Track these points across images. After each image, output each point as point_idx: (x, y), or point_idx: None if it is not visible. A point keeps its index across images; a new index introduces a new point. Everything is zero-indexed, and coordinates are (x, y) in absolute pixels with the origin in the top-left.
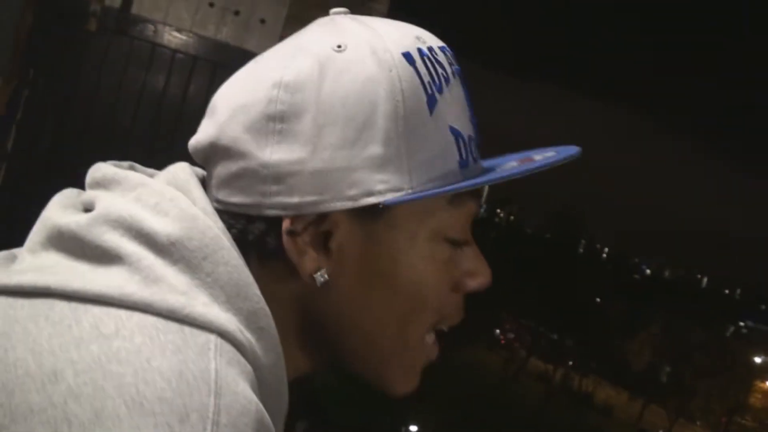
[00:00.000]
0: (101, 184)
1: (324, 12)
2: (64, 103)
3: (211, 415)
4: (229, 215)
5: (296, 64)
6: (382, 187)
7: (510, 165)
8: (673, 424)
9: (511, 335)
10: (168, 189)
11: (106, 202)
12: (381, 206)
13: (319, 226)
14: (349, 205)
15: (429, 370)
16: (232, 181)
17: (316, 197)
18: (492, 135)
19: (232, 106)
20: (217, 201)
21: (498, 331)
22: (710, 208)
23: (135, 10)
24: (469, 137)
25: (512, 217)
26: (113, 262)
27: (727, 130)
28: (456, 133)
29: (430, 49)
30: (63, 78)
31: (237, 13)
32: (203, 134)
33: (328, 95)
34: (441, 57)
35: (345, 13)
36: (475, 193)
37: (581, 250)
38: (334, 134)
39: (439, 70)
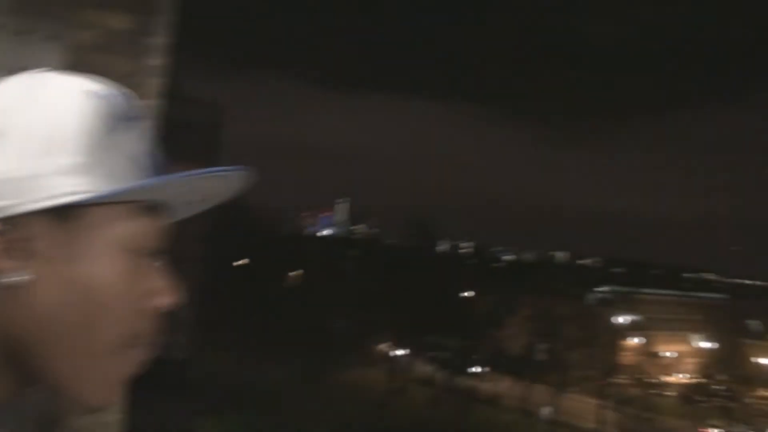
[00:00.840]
0: None
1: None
2: None
3: None
4: None
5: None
6: (69, 190)
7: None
8: (557, 398)
9: (390, 347)
10: None
11: None
12: (71, 210)
13: (14, 233)
14: (37, 206)
15: (311, 393)
16: None
17: (5, 203)
18: (321, 148)
19: None
20: None
21: (377, 346)
22: (548, 187)
23: None
24: (148, 163)
25: (373, 232)
26: None
27: (543, 108)
28: (138, 158)
29: (113, 94)
30: None
31: None
32: None
33: (24, 117)
34: (121, 99)
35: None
36: (157, 207)
37: (444, 251)
38: (25, 147)
39: (120, 107)
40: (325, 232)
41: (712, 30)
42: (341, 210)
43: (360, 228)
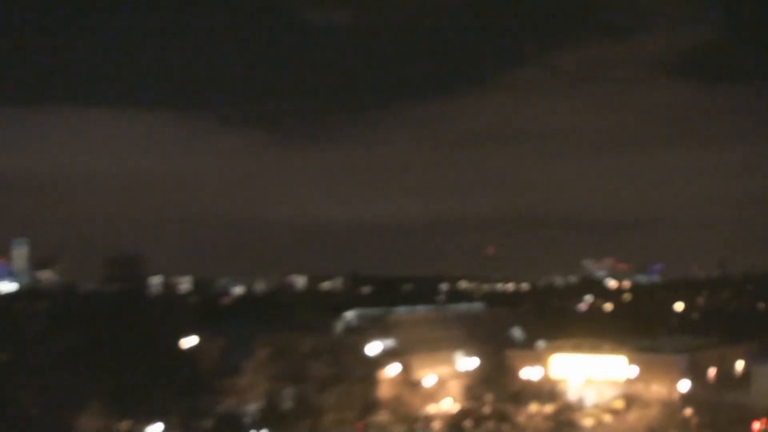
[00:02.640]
0: None
1: None
2: None
3: None
4: None
5: None
6: None
7: None
8: None
9: (98, 418)
10: None
11: None
12: None
13: None
14: None
15: None
16: None
17: None
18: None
19: None
20: None
21: (79, 418)
22: (279, 198)
23: None
24: None
25: (64, 279)
26: None
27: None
28: None
29: None
30: None
31: None
32: None
33: None
34: None
35: None
36: None
37: (157, 291)
38: None
39: None
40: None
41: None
42: (19, 255)
43: (46, 274)
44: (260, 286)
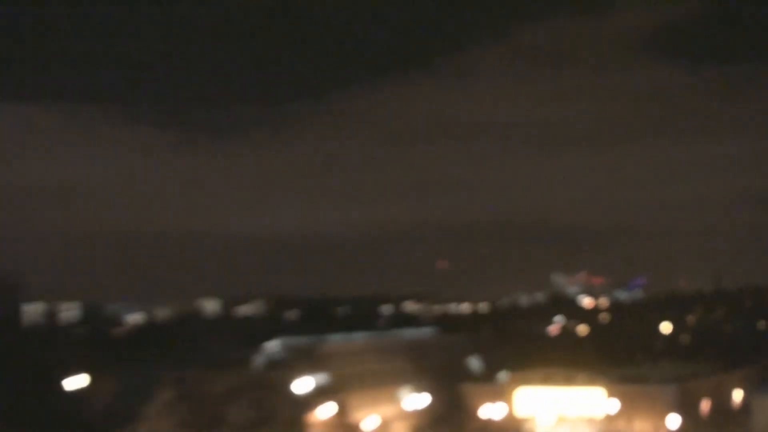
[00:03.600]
0: None
1: None
2: None
3: None
4: None
5: None
6: None
7: None
8: None
9: None
10: None
11: None
12: None
13: None
14: None
15: None
16: None
17: None
18: None
19: None
20: None
21: None
22: (187, 207)
23: None
24: None
25: None
26: None
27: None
28: None
29: None
30: None
31: None
32: None
33: None
34: None
35: None
36: None
37: (36, 319)
38: None
39: None
40: None
41: None
42: None
43: None
44: (162, 313)
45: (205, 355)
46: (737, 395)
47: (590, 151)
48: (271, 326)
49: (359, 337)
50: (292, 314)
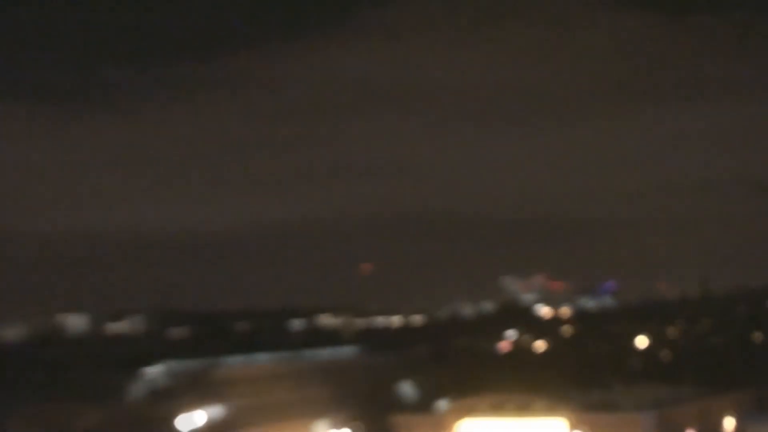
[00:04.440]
0: None
1: None
2: None
3: None
4: None
5: None
6: None
7: None
8: None
9: None
10: None
11: None
12: None
13: None
14: None
15: None
16: None
17: None
18: None
19: None
20: None
21: None
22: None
23: None
24: None
25: None
26: None
27: None
28: None
29: None
30: None
31: None
32: None
33: None
34: None
35: None
36: None
37: None
38: None
39: None
40: None
41: None
42: None
43: None
44: (14, 333)
45: (68, 383)
46: (728, 424)
47: (547, 126)
48: (152, 347)
49: (263, 360)
50: (179, 332)
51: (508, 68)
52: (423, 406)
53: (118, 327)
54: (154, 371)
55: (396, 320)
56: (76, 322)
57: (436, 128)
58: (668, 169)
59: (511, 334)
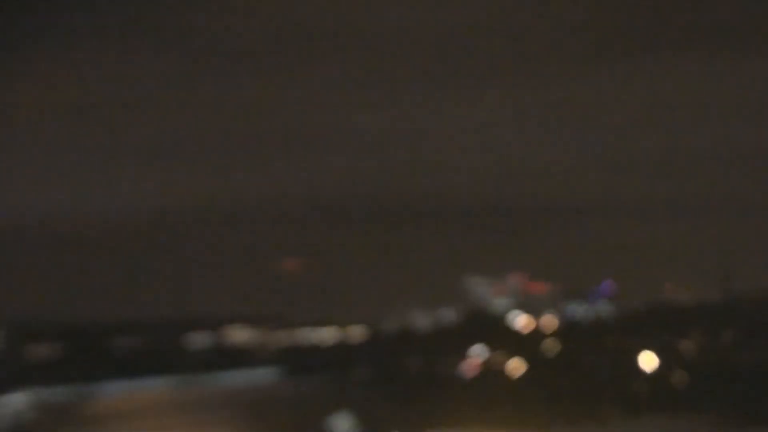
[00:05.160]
0: None
1: None
2: None
3: None
4: None
5: None
6: None
7: None
8: None
9: None
10: None
11: None
12: None
13: None
14: None
15: None
16: None
17: None
18: None
19: None
20: None
21: None
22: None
23: None
24: None
25: None
26: None
27: None
28: None
29: None
30: None
31: None
32: None
33: None
34: None
35: None
36: None
37: None
38: None
39: None
40: None
41: None
42: None
43: None
44: None
45: None
46: None
47: (525, 84)
48: (10, 370)
49: (154, 385)
50: (44, 350)
51: (474, 7)
52: None
53: None
54: (13, 401)
55: (329, 334)
56: None
57: (383, 88)
58: (679, 137)
59: (478, 351)
